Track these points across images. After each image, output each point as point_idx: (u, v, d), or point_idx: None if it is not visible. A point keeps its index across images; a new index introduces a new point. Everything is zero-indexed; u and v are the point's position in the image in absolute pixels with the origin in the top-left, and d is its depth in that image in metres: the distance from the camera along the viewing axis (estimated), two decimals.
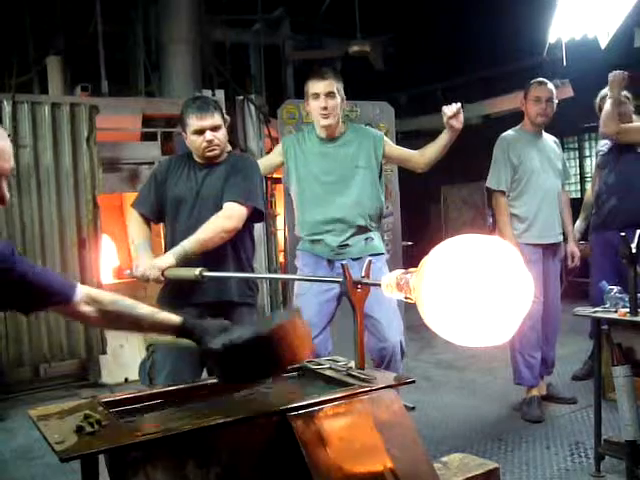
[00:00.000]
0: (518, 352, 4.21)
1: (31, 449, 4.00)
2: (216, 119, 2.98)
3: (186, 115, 3.00)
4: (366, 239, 3.55)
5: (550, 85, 4.32)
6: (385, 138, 3.71)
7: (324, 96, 3.47)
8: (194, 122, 2.96)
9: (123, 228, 6.43)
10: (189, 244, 2.79)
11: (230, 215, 2.88)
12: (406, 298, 1.74)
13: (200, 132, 2.96)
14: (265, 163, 3.70)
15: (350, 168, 3.55)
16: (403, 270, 1.77)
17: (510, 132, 4.36)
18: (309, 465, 1.56)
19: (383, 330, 3.41)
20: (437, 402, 4.63)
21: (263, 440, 1.59)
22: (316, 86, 3.49)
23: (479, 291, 1.49)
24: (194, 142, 3.00)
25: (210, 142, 2.97)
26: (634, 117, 4.76)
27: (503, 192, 4.21)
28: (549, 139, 4.44)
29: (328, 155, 3.57)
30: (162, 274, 2.74)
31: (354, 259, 3.43)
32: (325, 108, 3.46)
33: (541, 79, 4.36)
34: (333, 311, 3.50)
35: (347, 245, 3.49)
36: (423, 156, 3.60)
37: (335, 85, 3.49)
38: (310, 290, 3.44)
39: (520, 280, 1.54)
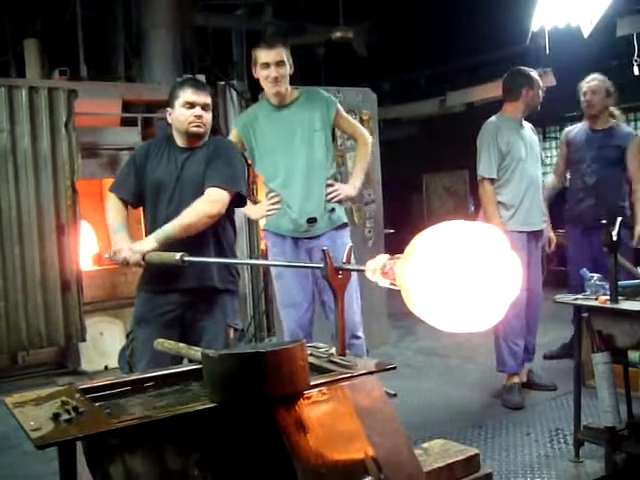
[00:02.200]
0: (502, 339, 4.23)
1: (8, 437, 3.95)
2: (208, 99, 3.02)
3: (180, 88, 3.01)
4: (330, 211, 3.57)
5: (535, 74, 4.33)
6: (338, 105, 3.69)
7: (274, 66, 3.48)
8: (188, 95, 2.97)
9: (102, 214, 6.33)
10: (171, 228, 2.76)
11: (213, 200, 2.86)
12: (391, 284, 1.72)
13: (191, 106, 2.96)
14: None
15: (309, 132, 3.56)
16: (388, 256, 1.75)
17: (494, 119, 4.35)
18: (290, 451, 1.54)
19: (347, 307, 3.42)
20: (418, 389, 4.64)
21: (243, 426, 1.57)
22: (265, 55, 3.49)
23: (466, 277, 1.47)
24: (182, 115, 2.97)
25: (198, 117, 2.97)
26: (616, 112, 4.83)
27: (492, 180, 4.21)
28: (527, 126, 4.45)
29: (284, 121, 3.57)
30: (143, 258, 2.70)
31: (320, 235, 3.51)
32: (275, 78, 3.48)
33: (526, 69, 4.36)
34: (313, 287, 3.56)
35: (315, 220, 3.51)
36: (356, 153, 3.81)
37: (284, 53, 3.50)
38: (288, 271, 3.50)
39: (508, 266, 1.52)
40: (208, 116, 3.02)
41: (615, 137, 4.80)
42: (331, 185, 3.57)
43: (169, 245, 2.73)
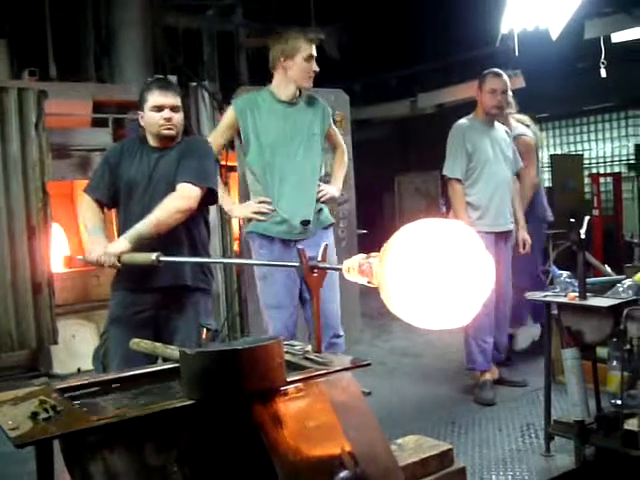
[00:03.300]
0: (472, 338, 4.28)
1: None
2: (177, 100, 2.99)
3: (147, 91, 2.99)
4: (318, 211, 3.55)
5: (505, 77, 4.37)
6: (331, 116, 3.73)
7: (314, 60, 3.47)
8: (155, 98, 2.95)
9: (73, 216, 6.31)
10: (143, 226, 2.76)
11: (184, 195, 2.86)
12: (368, 282, 1.74)
13: (159, 109, 2.95)
14: (216, 143, 3.54)
15: (309, 135, 3.52)
16: (364, 255, 1.77)
17: (464, 120, 4.41)
18: (267, 447, 1.56)
19: (329, 306, 3.41)
20: (392, 387, 4.68)
21: (221, 423, 1.58)
22: (311, 50, 3.46)
23: (442, 274, 1.50)
24: (151, 118, 2.97)
25: (168, 120, 2.96)
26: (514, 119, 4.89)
27: (459, 180, 4.26)
28: (500, 128, 4.51)
29: (288, 119, 3.51)
30: (118, 260, 2.70)
31: (312, 236, 3.46)
32: (314, 72, 3.47)
33: (496, 70, 4.39)
34: (299, 288, 3.47)
35: (309, 222, 3.46)
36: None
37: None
38: (276, 272, 3.41)
39: (482, 264, 1.56)
40: (178, 117, 3.00)
41: None
42: (318, 185, 3.55)
43: (142, 245, 2.73)
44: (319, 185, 3.55)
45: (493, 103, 4.28)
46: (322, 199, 3.55)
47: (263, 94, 3.58)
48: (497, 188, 4.30)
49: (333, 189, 3.66)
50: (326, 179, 3.71)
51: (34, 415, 1.49)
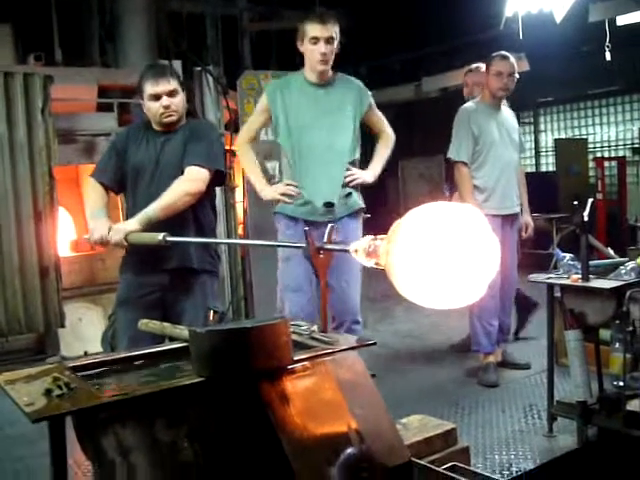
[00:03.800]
0: (477, 320, 4.31)
1: None
2: (172, 84, 2.99)
3: (142, 82, 3.01)
4: (346, 195, 3.47)
5: (512, 59, 4.35)
6: (371, 99, 3.61)
7: (324, 42, 3.35)
8: (150, 88, 2.97)
9: (79, 200, 6.34)
10: (153, 210, 2.79)
11: (193, 178, 2.89)
12: (376, 264, 1.76)
13: (156, 98, 2.97)
14: (251, 127, 3.61)
15: (340, 116, 3.47)
16: (372, 236, 1.79)
17: (470, 104, 4.42)
18: (275, 424, 1.59)
19: (350, 291, 3.45)
20: (396, 369, 4.73)
21: (230, 400, 1.62)
22: (316, 29, 3.35)
23: (449, 255, 1.53)
24: (151, 108, 3.00)
25: (167, 107, 2.97)
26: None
27: (465, 163, 4.27)
28: (507, 112, 4.51)
29: (319, 101, 3.47)
30: (125, 239, 2.73)
31: (337, 219, 3.37)
32: (324, 54, 3.35)
33: (503, 53, 4.37)
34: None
35: (332, 204, 3.41)
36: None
37: (334, 29, 3.38)
38: (297, 255, 3.29)
39: (488, 245, 1.58)
40: (177, 101, 3.00)
41: None
42: (348, 169, 3.48)
43: (151, 227, 2.76)
44: (349, 169, 3.48)
45: (499, 85, 4.28)
46: (351, 184, 3.46)
47: (296, 76, 3.56)
48: (503, 171, 4.32)
49: (366, 174, 3.53)
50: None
51: (48, 392, 1.52)
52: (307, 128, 3.43)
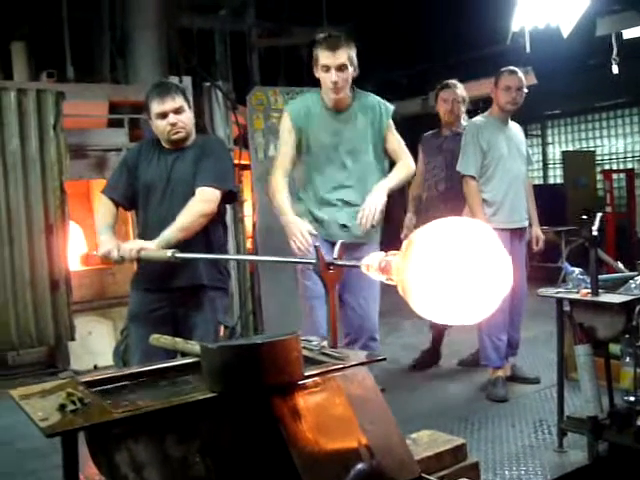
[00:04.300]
0: (485, 334, 4.31)
1: (2, 436, 3.98)
2: (177, 101, 3.00)
3: (148, 100, 3.04)
4: (372, 225, 3.33)
5: (520, 74, 4.39)
6: (390, 120, 3.50)
7: (335, 70, 3.25)
8: (155, 106, 2.99)
9: (90, 215, 6.39)
10: (171, 232, 2.82)
11: (206, 199, 2.91)
12: (387, 279, 1.78)
13: (163, 116, 2.99)
14: (285, 160, 3.43)
15: (358, 142, 3.41)
16: (384, 253, 1.81)
17: (479, 118, 4.45)
18: (286, 439, 1.60)
19: (367, 308, 3.45)
20: (405, 384, 4.72)
21: (241, 415, 1.63)
22: (327, 58, 3.26)
23: (464, 270, 1.54)
24: (159, 126, 3.02)
25: (174, 125, 2.99)
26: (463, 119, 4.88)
27: (473, 177, 4.29)
28: (514, 126, 4.54)
29: (337, 129, 3.40)
30: (137, 254, 2.75)
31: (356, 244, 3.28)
32: (336, 83, 3.27)
33: (512, 68, 4.41)
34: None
35: (346, 226, 3.38)
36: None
37: (347, 55, 3.27)
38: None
39: (501, 260, 1.59)
40: (184, 117, 3.02)
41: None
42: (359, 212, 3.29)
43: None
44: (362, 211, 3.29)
45: (508, 100, 4.31)
46: (367, 226, 3.25)
47: (314, 97, 3.47)
48: (511, 185, 4.33)
49: (374, 198, 3.27)
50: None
51: (62, 407, 1.54)
52: (327, 154, 3.40)
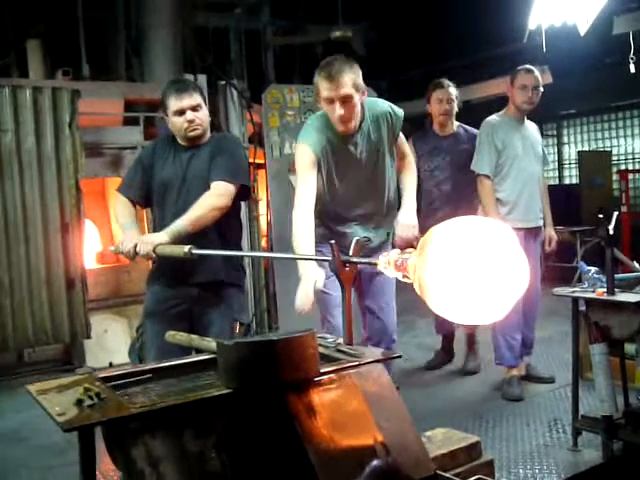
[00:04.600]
0: (500, 334, 4.30)
1: (19, 431, 4.03)
2: (195, 98, 3.01)
3: (166, 97, 3.04)
4: (387, 233, 3.33)
5: (537, 73, 4.36)
6: (400, 126, 3.25)
7: (339, 102, 2.92)
8: (173, 103, 3.00)
9: (106, 213, 6.43)
10: (182, 223, 2.82)
11: (220, 193, 2.92)
12: (404, 277, 1.77)
13: (180, 113, 2.99)
14: (308, 195, 3.01)
15: (374, 158, 3.18)
16: (399, 250, 1.81)
17: (494, 117, 4.42)
18: (301, 435, 1.61)
19: (389, 311, 3.41)
20: (420, 382, 4.73)
21: (257, 411, 1.64)
22: (328, 90, 2.93)
23: (481, 269, 1.53)
24: (175, 123, 3.02)
25: (191, 122, 3.00)
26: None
27: (488, 176, 4.27)
28: (531, 125, 4.51)
29: (350, 151, 3.13)
30: (153, 250, 2.76)
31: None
32: (341, 116, 2.96)
33: (528, 67, 4.38)
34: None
35: (369, 238, 3.20)
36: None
37: (351, 83, 2.91)
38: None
39: (518, 259, 1.59)
40: (201, 115, 3.03)
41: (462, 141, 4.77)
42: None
43: (179, 241, 2.79)
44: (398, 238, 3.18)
45: (524, 99, 4.29)
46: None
47: (327, 124, 3.09)
48: (526, 184, 4.31)
49: (406, 224, 3.16)
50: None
51: (79, 402, 1.55)
52: (342, 181, 3.18)
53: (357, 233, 3.20)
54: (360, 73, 2.99)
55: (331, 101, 2.94)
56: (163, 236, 2.79)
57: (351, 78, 2.91)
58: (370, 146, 3.16)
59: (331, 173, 3.14)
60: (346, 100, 2.92)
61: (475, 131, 4.65)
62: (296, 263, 2.94)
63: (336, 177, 3.16)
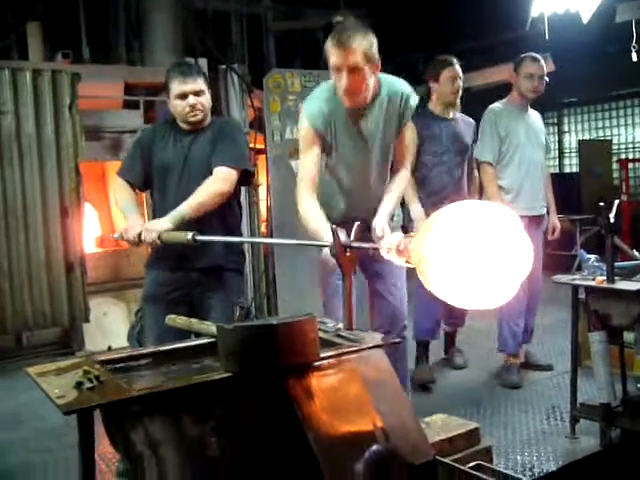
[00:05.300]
0: (505, 321, 4.30)
1: (18, 414, 4.03)
2: (199, 84, 2.99)
3: (169, 80, 3.02)
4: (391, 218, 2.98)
5: (542, 61, 4.31)
6: (410, 115, 2.97)
7: (347, 71, 2.68)
8: (177, 86, 2.98)
9: (105, 197, 6.42)
10: (185, 209, 2.82)
11: (223, 178, 2.92)
12: (406, 262, 1.77)
13: (183, 96, 2.98)
14: (308, 173, 2.85)
15: (386, 140, 2.96)
16: (403, 234, 1.80)
17: (498, 104, 4.39)
18: (301, 420, 1.61)
19: (400, 295, 3.24)
20: None
21: (257, 395, 1.64)
22: (336, 57, 2.68)
23: (482, 254, 1.53)
24: (177, 107, 3.01)
25: (193, 107, 2.98)
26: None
27: (490, 163, 4.25)
28: (534, 114, 4.49)
29: (360, 128, 2.91)
30: (158, 237, 2.76)
31: None
32: (349, 86, 2.71)
33: (534, 55, 4.31)
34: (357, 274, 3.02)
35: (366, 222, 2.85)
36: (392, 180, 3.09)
37: (362, 53, 2.65)
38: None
39: (522, 244, 1.58)
40: (203, 100, 3.00)
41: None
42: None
43: (184, 225, 2.79)
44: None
45: (529, 87, 4.25)
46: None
47: (332, 97, 2.86)
48: (529, 172, 4.29)
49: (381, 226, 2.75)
50: None
51: (79, 385, 1.55)
52: (349, 162, 2.98)
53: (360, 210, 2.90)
54: (375, 43, 2.73)
55: (339, 69, 2.69)
56: (167, 223, 2.78)
57: (363, 46, 2.65)
58: (379, 126, 2.92)
59: (343, 152, 2.94)
60: (354, 70, 2.66)
61: (470, 120, 4.55)
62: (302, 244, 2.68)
63: (346, 154, 2.95)
